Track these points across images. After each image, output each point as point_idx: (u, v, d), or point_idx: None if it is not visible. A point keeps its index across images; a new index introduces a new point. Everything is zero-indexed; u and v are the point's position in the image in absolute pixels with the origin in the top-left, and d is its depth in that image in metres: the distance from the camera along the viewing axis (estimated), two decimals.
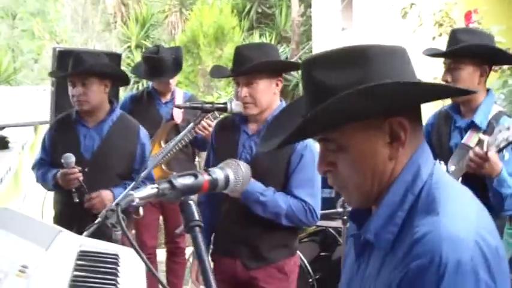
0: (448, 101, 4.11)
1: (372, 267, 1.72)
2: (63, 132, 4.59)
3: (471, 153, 3.60)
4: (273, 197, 3.67)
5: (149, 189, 1.73)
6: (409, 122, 1.67)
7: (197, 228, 1.73)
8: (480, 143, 3.60)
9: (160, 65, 5.83)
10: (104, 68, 4.53)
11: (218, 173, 1.83)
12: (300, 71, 1.91)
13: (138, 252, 1.65)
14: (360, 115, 1.63)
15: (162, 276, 6.36)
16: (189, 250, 7.38)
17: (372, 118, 1.64)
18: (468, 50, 3.82)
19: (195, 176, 1.77)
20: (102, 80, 4.44)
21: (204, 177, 1.78)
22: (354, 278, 1.81)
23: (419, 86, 1.62)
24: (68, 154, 4.31)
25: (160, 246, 6.97)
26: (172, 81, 6.03)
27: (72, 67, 4.44)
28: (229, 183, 1.85)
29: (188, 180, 1.76)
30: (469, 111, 3.92)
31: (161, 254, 6.61)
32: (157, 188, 1.73)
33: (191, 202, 1.75)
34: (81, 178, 4.31)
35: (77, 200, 4.33)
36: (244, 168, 1.90)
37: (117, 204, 1.67)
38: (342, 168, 1.68)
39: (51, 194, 4.83)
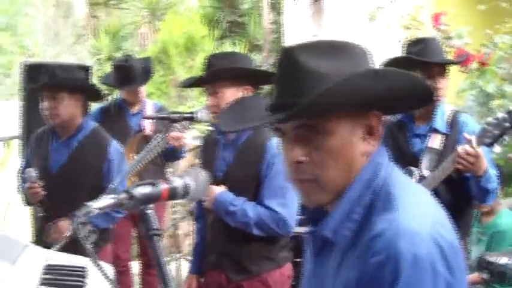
0: None
1: (331, 266, 1.71)
2: (38, 145, 4.59)
3: (460, 152, 3.63)
4: (242, 206, 3.64)
5: (107, 200, 1.71)
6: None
7: (155, 237, 1.72)
8: (469, 142, 3.63)
9: (130, 73, 5.86)
10: (76, 82, 4.48)
11: (177, 181, 1.82)
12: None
13: (97, 265, 1.63)
14: (361, 101, 1.63)
15: None
16: None
17: (357, 109, 1.66)
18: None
19: (154, 185, 1.76)
20: (73, 94, 4.39)
21: (162, 186, 1.77)
22: (313, 279, 1.80)
23: (420, 81, 1.67)
24: (29, 169, 4.34)
25: (134, 258, 6.94)
26: (142, 91, 6.01)
27: (43, 80, 4.41)
28: (188, 191, 1.84)
29: (146, 190, 1.74)
30: (424, 117, 3.98)
31: (136, 267, 6.57)
32: (115, 198, 1.71)
33: (150, 211, 1.73)
34: (42, 193, 4.29)
35: (42, 214, 4.32)
36: (203, 175, 1.89)
37: (75, 216, 1.65)
38: (318, 157, 1.66)
39: (12, 208, 4.83)
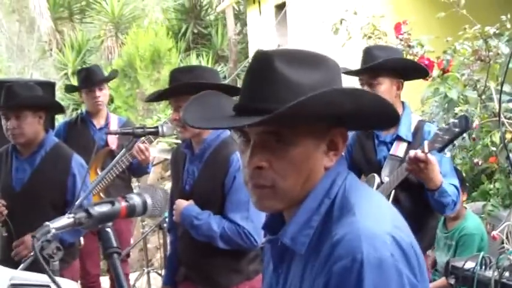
0: None
1: (294, 277, 1.72)
2: (1, 165, 4.54)
3: (410, 156, 3.64)
4: (207, 220, 3.64)
5: (65, 219, 1.72)
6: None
7: (115, 255, 1.72)
8: (421, 146, 3.66)
9: (90, 73, 6.00)
10: (38, 100, 4.46)
11: (135, 198, 1.83)
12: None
13: (55, 284, 1.63)
14: (332, 116, 1.65)
15: None
16: (133, 276, 7.33)
17: (326, 123, 1.67)
18: (385, 65, 3.91)
19: (112, 203, 1.76)
20: (36, 111, 4.36)
21: (121, 204, 1.78)
22: None
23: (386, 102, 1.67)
24: None
25: (104, 273, 6.91)
26: (100, 96, 5.97)
27: (4, 100, 4.36)
28: (147, 208, 1.85)
29: (105, 208, 1.75)
30: None
31: (105, 282, 6.54)
32: (73, 217, 1.72)
33: (109, 229, 1.74)
34: (5, 212, 4.27)
35: (5, 234, 4.28)
36: (161, 192, 1.90)
37: (33, 237, 1.65)
38: (279, 166, 1.65)
39: None
